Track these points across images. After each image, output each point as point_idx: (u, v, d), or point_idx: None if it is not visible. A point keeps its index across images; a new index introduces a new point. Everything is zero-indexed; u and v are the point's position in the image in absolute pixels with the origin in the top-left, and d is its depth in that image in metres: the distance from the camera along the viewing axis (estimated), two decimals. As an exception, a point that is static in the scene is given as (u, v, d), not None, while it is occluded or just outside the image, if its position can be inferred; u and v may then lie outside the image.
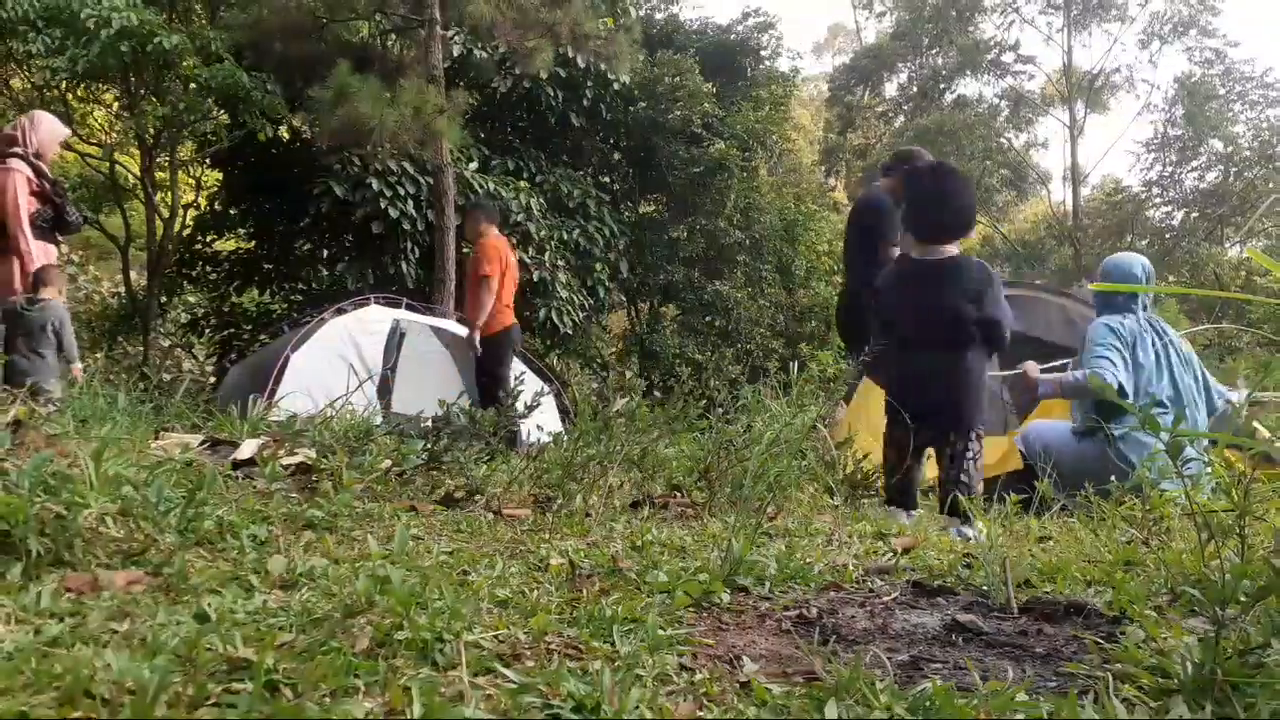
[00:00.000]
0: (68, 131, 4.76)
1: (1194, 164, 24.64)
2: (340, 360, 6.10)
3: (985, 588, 1.57)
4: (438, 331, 7.55)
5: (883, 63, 27.20)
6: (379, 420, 3.07)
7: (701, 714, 0.95)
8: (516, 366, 6.35)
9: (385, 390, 6.56)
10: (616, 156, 13.92)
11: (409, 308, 7.49)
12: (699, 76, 13.26)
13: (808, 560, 1.73)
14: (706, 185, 13.24)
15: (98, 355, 10.27)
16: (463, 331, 6.32)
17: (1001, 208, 27.33)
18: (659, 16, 16.10)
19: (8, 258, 4.38)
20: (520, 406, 2.87)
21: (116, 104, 10.70)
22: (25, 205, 4.34)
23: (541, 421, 4.53)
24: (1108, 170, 56.17)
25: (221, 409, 3.63)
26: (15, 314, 4.54)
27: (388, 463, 2.34)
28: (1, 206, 4.33)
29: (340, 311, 6.84)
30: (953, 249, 3.07)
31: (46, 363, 4.62)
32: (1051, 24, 26.65)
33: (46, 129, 4.54)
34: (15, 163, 4.37)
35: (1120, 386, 3.30)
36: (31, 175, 4.39)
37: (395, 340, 6.96)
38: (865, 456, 3.56)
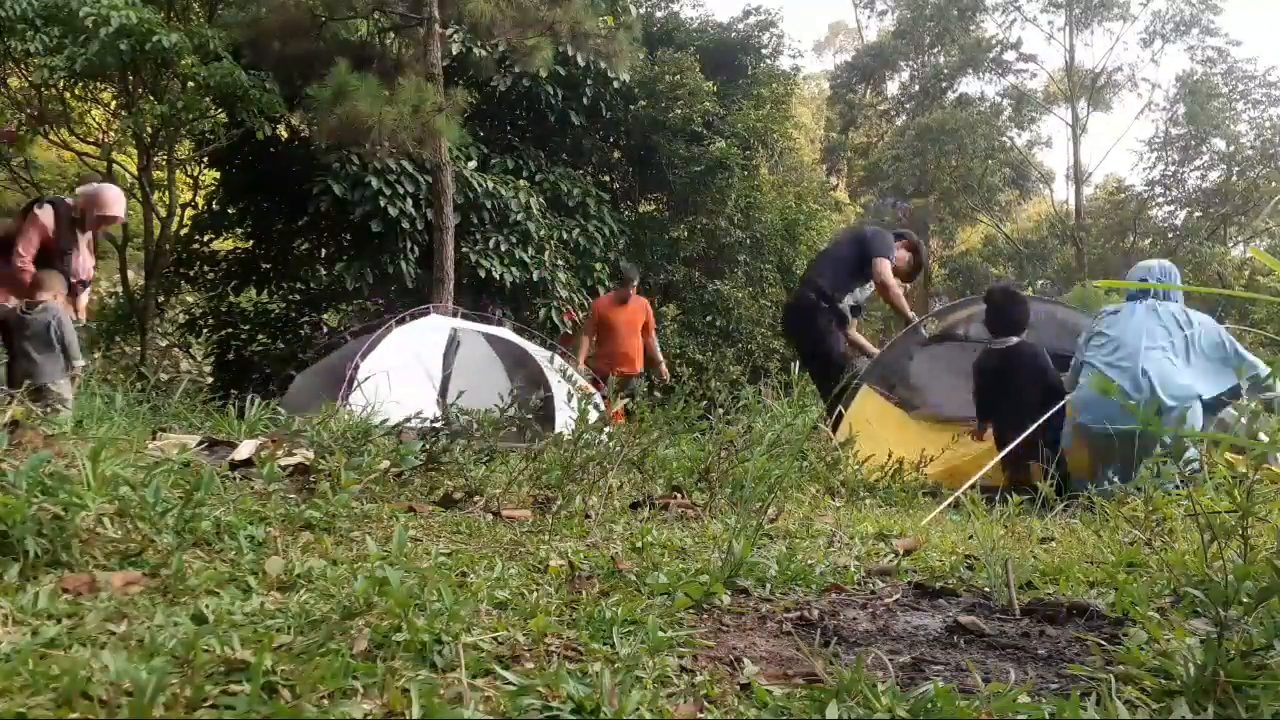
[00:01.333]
0: (114, 213, 4.80)
1: (1197, 163, 24.66)
2: (405, 367, 6.41)
3: (987, 589, 1.57)
4: (489, 338, 7.99)
5: (884, 61, 27.19)
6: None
7: (702, 715, 0.94)
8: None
9: (445, 393, 6.87)
10: (616, 155, 13.90)
11: (464, 316, 7.94)
12: (699, 75, 13.23)
13: (809, 562, 1.73)
14: (707, 184, 13.22)
15: (95, 355, 10.25)
16: (512, 336, 7.86)
17: (1004, 207, 27.33)
18: (659, 14, 16.06)
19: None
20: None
21: (114, 103, 10.67)
22: (33, 241, 4.49)
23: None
24: (1110, 169, 56.21)
25: (290, 416, 3.64)
26: (18, 319, 4.64)
27: (386, 463, 2.33)
28: (18, 230, 4.56)
29: (402, 321, 7.25)
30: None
31: (54, 365, 4.74)
32: (1053, 23, 26.68)
33: (92, 199, 4.70)
34: (45, 210, 4.58)
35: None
36: (51, 225, 4.53)
37: (453, 347, 7.38)
38: (867, 459, 3.57)
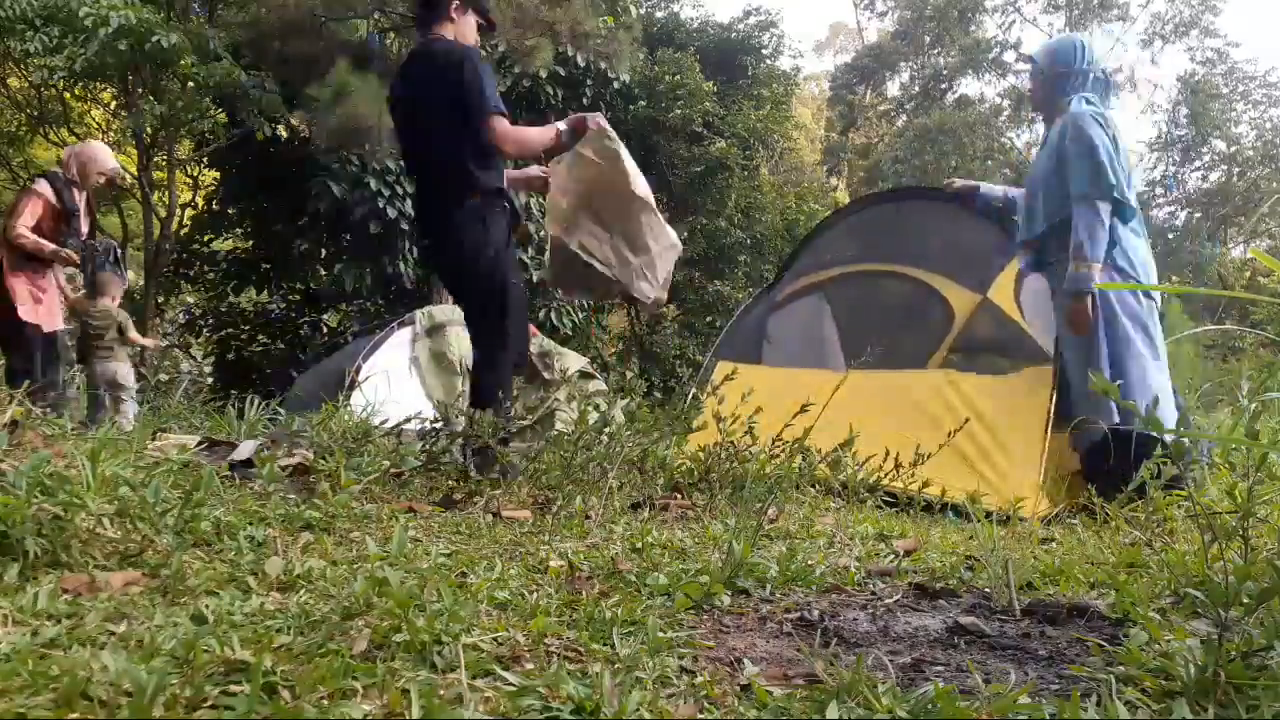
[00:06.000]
0: (109, 165, 4.80)
1: (1197, 164, 24.70)
2: (408, 367, 6.32)
3: (987, 590, 1.57)
4: None
5: (884, 62, 27.21)
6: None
7: (702, 716, 0.94)
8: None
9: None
10: (616, 156, 13.90)
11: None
12: (700, 75, 13.25)
13: (809, 562, 1.72)
14: (707, 184, 13.23)
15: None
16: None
17: (1003, 207, 27.29)
18: (659, 14, 16.08)
19: (17, 274, 4.45)
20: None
21: (114, 103, 10.68)
22: (32, 212, 4.43)
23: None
24: (1108, 170, 55.93)
25: (290, 416, 3.66)
26: (84, 326, 5.07)
27: (386, 464, 2.34)
28: (12, 210, 4.51)
29: (404, 323, 7.10)
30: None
31: (126, 365, 5.20)
32: (1053, 24, 26.73)
33: (87, 156, 4.70)
34: (40, 183, 4.56)
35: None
36: (51, 197, 4.51)
37: None
38: (868, 460, 3.54)
